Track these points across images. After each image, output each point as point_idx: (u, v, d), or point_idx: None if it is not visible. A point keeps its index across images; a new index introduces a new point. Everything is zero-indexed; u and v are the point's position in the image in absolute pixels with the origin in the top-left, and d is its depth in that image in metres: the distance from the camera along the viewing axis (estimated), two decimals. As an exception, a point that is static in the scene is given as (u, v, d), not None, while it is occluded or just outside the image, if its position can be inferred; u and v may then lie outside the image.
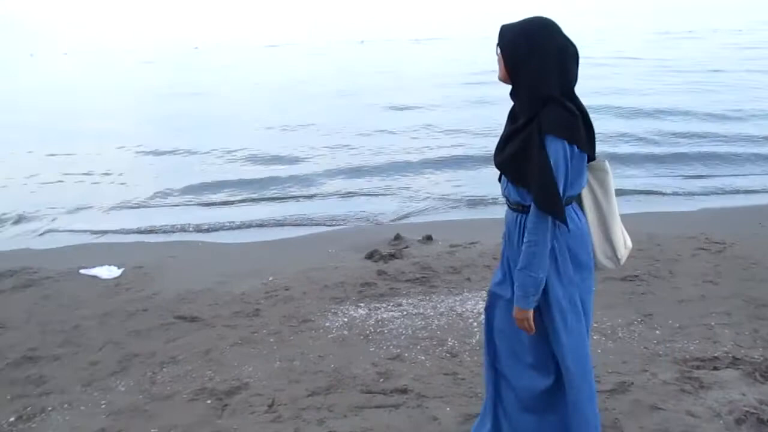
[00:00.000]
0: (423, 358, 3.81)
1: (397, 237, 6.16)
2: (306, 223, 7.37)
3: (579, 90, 2.31)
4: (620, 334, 4.02)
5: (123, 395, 3.51)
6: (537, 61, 2.23)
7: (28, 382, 3.69)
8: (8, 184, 9.16)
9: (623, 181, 8.26)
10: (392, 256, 5.60)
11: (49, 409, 3.39)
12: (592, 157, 2.37)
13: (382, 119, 13.15)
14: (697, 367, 3.52)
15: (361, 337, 4.12)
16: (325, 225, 7.22)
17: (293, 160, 10.16)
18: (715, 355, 3.68)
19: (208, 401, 3.40)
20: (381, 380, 3.55)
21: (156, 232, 7.13)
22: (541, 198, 2.22)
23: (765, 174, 8.85)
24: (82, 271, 5.43)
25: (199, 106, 15.42)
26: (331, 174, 9.30)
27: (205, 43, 36.25)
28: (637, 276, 4.96)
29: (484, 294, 4.65)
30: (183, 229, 7.22)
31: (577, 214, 2.37)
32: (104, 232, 7.17)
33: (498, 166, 2.42)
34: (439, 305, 4.56)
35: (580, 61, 2.31)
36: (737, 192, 8.21)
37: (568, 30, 2.30)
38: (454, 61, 24.26)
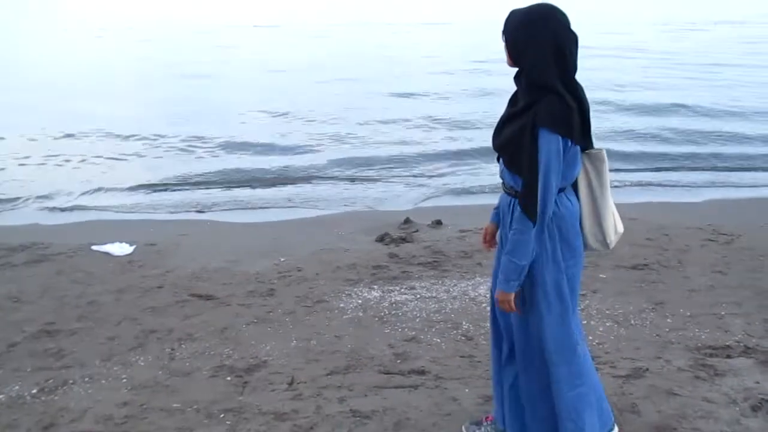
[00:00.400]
0: (438, 340, 3.85)
1: (407, 221, 6.19)
2: (312, 206, 7.40)
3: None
4: (633, 322, 4.07)
5: (143, 370, 3.54)
6: (533, 50, 2.27)
7: (48, 355, 3.71)
8: (8, 164, 9.10)
9: (629, 174, 8.36)
10: (403, 239, 5.63)
11: (71, 382, 3.42)
12: (587, 147, 2.42)
13: (387, 106, 13.06)
14: (710, 355, 3.57)
15: (376, 319, 4.16)
16: (331, 209, 7.24)
17: (302, 149, 10.01)
18: (727, 343, 3.74)
19: (228, 378, 3.44)
20: (398, 361, 3.59)
21: (163, 211, 7.15)
22: (522, 194, 2.31)
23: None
24: (93, 247, 5.44)
25: (206, 89, 15.30)
26: (338, 162, 9.20)
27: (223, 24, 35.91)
28: (647, 265, 5.01)
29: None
30: (191, 208, 7.24)
31: (569, 199, 2.42)
32: (112, 210, 7.19)
33: (495, 148, 2.48)
34: (452, 289, 4.60)
35: (583, 52, 2.35)
36: (743, 185, 8.29)
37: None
38: (458, 46, 24.20)
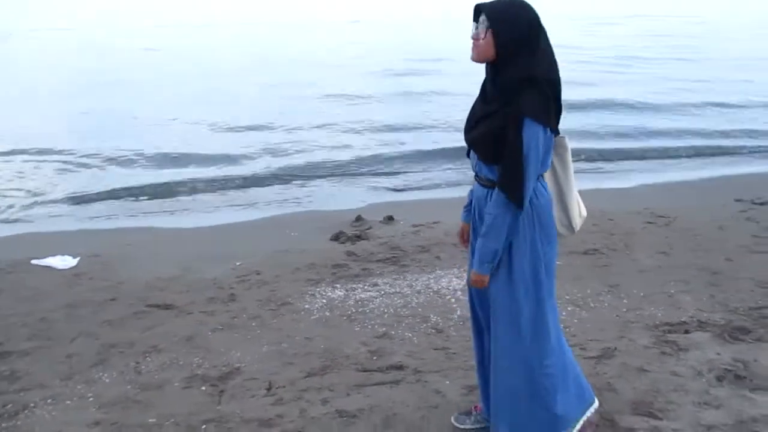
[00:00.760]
0: (410, 335, 3.87)
1: (359, 218, 6.18)
2: (255, 208, 7.26)
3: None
4: (592, 304, 4.23)
5: (109, 387, 3.38)
6: (535, 41, 2.32)
7: (1, 379, 3.48)
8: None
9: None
10: (358, 237, 5.62)
11: (32, 405, 3.22)
12: (555, 134, 2.48)
13: (317, 109, 12.68)
14: (669, 332, 3.76)
15: (344, 318, 4.13)
16: (274, 210, 7.13)
17: (236, 156, 9.49)
18: (682, 320, 3.94)
19: (203, 388, 3.34)
20: (374, 358, 3.59)
21: (100, 221, 6.83)
22: (505, 181, 2.35)
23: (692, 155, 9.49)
24: (33, 261, 5.14)
25: (128, 97, 14.53)
26: (276, 166, 8.91)
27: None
28: (597, 250, 5.21)
29: (457, 271, 4.81)
30: (128, 216, 6.96)
31: (544, 187, 2.49)
32: (42, 221, 6.81)
33: (469, 143, 2.51)
34: (414, 284, 4.63)
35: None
36: (667, 168, 8.78)
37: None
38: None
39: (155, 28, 32.00)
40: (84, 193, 7.68)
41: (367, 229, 5.88)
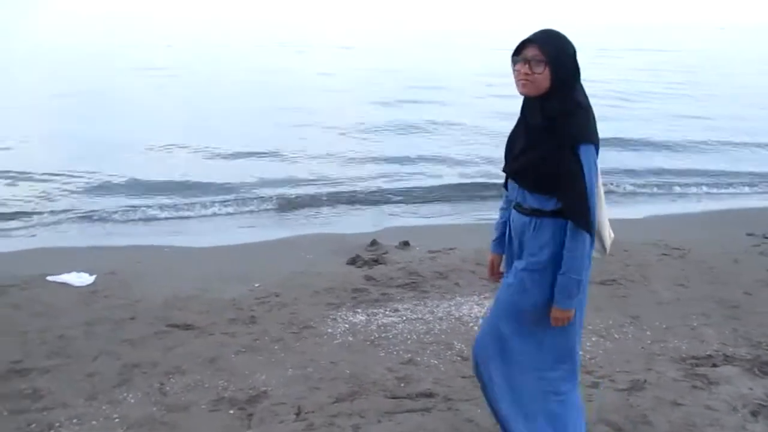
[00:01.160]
0: (436, 362, 3.84)
1: (374, 243, 6.17)
2: (268, 228, 7.25)
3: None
4: (616, 335, 4.22)
5: (135, 407, 3.32)
6: (578, 71, 2.43)
7: (22, 397, 3.42)
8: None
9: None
10: (375, 261, 5.61)
11: (57, 424, 3.16)
12: None
13: (319, 140, 12.29)
14: (697, 365, 3.75)
15: (367, 343, 4.10)
16: (286, 232, 7.11)
17: (242, 183, 9.21)
18: (708, 353, 3.94)
19: (231, 411, 3.29)
20: (402, 385, 3.55)
21: (115, 238, 6.80)
22: (573, 211, 2.39)
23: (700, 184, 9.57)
24: (49, 278, 5.08)
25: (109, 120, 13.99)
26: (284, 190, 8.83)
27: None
28: (614, 280, 5.21)
29: (477, 299, 4.80)
30: (142, 233, 6.93)
31: None
32: (54, 237, 6.77)
33: (512, 173, 2.56)
34: (435, 310, 4.61)
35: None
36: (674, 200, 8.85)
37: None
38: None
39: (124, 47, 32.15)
40: (95, 210, 7.64)
41: (384, 253, 5.86)
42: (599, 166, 2.52)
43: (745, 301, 4.79)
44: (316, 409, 3.29)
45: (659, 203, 8.65)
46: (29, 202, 7.86)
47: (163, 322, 4.34)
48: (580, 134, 2.37)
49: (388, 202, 8.37)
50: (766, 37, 51.98)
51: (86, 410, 3.30)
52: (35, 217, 7.33)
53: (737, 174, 10.22)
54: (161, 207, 7.83)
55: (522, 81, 2.39)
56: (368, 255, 5.78)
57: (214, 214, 7.73)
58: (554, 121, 2.39)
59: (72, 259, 5.74)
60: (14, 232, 6.90)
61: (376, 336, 4.19)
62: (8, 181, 8.81)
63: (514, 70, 2.43)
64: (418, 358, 3.88)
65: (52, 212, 7.49)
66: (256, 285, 5.08)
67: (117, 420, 3.22)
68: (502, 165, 2.63)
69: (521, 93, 2.45)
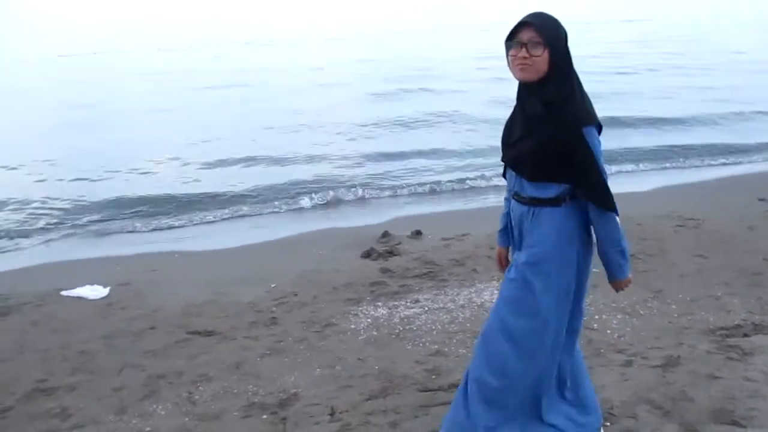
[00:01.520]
0: (464, 351, 3.79)
1: (386, 234, 6.12)
2: (273, 227, 7.18)
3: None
4: (641, 312, 4.18)
5: (166, 419, 3.28)
6: (570, 54, 2.36)
7: (51, 416, 3.37)
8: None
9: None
10: (390, 253, 5.56)
11: (90, 442, 3.12)
12: None
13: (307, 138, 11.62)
14: (727, 336, 3.71)
15: (393, 336, 4.06)
16: (296, 227, 7.05)
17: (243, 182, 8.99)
18: (736, 323, 3.90)
19: (264, 416, 3.24)
20: (433, 377, 3.51)
21: (121, 245, 6.73)
22: (593, 194, 2.36)
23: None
24: (63, 293, 5.02)
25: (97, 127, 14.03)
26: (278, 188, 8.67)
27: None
28: (632, 255, 5.02)
29: (497, 284, 4.74)
30: (149, 241, 6.86)
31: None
32: (61, 250, 6.70)
33: (510, 160, 2.50)
34: (456, 298, 4.57)
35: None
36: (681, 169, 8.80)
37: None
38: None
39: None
40: (100, 220, 7.55)
41: (397, 244, 5.81)
42: None
43: (766, 268, 4.75)
44: (349, 408, 3.24)
45: (664, 175, 8.58)
46: (33, 216, 7.76)
47: (183, 330, 4.29)
48: (582, 118, 2.31)
49: (394, 193, 8.28)
50: (752, 1, 51.55)
51: (117, 425, 3.25)
52: (41, 231, 7.23)
53: (744, 147, 10.05)
54: (165, 214, 7.73)
55: (520, 65, 2.29)
56: (382, 247, 5.73)
57: (219, 218, 7.61)
58: (553, 107, 2.32)
59: (83, 271, 5.68)
60: (22, 247, 6.82)
61: (401, 329, 4.14)
62: (10, 194, 8.72)
63: (508, 56, 2.33)
64: (446, 349, 3.83)
65: (58, 225, 7.39)
66: (272, 285, 5.03)
67: (150, 433, 3.17)
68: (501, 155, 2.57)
69: (519, 78, 2.35)
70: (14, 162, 10.35)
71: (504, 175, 2.66)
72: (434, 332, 4.07)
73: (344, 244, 6.03)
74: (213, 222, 7.52)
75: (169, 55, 28.17)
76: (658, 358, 3.48)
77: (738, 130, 10.95)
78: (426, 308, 4.43)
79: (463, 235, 5.91)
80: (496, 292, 4.62)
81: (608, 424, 2.87)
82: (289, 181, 8.83)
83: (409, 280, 4.94)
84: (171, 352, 4.01)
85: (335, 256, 5.73)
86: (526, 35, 2.27)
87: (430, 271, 5.07)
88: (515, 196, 2.52)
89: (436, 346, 3.88)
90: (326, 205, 7.98)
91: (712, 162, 9.03)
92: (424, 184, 8.52)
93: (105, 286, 5.10)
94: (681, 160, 9.21)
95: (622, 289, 2.56)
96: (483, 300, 4.51)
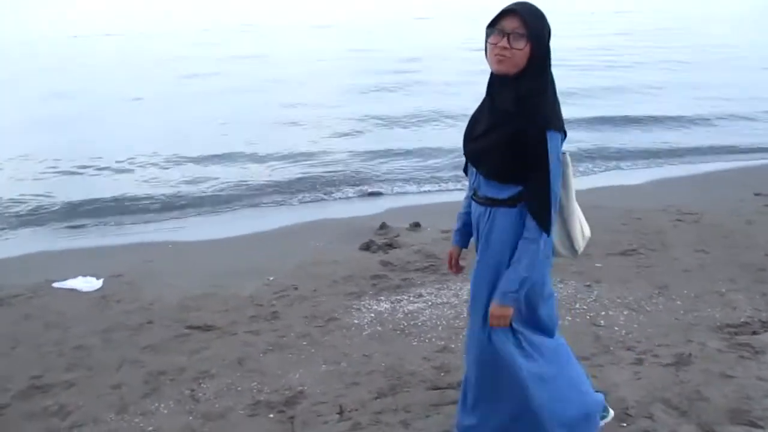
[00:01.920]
0: (471, 347, 3.74)
1: (383, 226, 6.04)
2: (267, 217, 7.07)
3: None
4: (647, 308, 4.15)
5: (169, 418, 3.18)
6: (549, 49, 2.23)
7: (49, 415, 3.26)
8: None
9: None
10: (389, 245, 5.48)
11: (91, 442, 3.02)
12: None
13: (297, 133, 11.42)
14: (736, 333, 3.69)
15: (397, 332, 3.99)
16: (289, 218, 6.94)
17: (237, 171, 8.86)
18: (743, 320, 3.89)
19: (270, 415, 3.16)
20: (441, 374, 3.45)
21: (113, 235, 6.59)
22: (534, 204, 2.21)
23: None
24: (55, 284, 4.89)
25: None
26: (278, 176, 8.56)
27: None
28: (634, 250, 5.14)
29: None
30: (141, 231, 6.72)
31: None
32: (49, 239, 6.54)
33: (471, 155, 2.36)
34: (459, 293, 4.51)
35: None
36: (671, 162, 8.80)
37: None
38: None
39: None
40: (91, 207, 7.38)
41: (396, 236, 5.73)
42: (570, 163, 2.35)
43: (768, 264, 4.75)
44: (358, 406, 3.18)
45: (656, 168, 8.58)
46: (21, 202, 7.57)
47: (181, 325, 4.19)
48: (550, 121, 2.17)
49: (390, 185, 8.16)
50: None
51: (119, 424, 3.16)
52: (28, 219, 7.06)
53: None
54: (156, 202, 7.58)
55: (498, 56, 2.15)
56: (380, 239, 5.65)
57: (211, 210, 7.45)
58: (523, 103, 2.18)
59: (74, 262, 5.55)
60: (8, 236, 6.64)
61: (405, 324, 4.08)
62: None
63: (487, 43, 2.19)
64: (452, 345, 3.78)
65: (45, 212, 7.22)
66: (271, 278, 4.93)
67: (153, 433, 3.08)
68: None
69: (495, 70, 2.20)
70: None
71: (465, 171, 2.52)
72: (439, 328, 4.01)
73: (340, 236, 5.95)
74: (205, 214, 7.35)
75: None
76: (669, 356, 3.45)
77: (730, 131, 10.81)
78: (430, 303, 4.37)
79: (463, 227, 5.83)
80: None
81: (624, 425, 2.84)
82: (281, 172, 8.71)
83: (410, 274, 4.87)
84: (170, 348, 3.91)
85: (332, 248, 5.65)
86: (510, 24, 2.13)
87: (432, 265, 5.01)
88: (473, 195, 2.41)
89: (442, 342, 3.82)
90: (320, 195, 7.86)
91: (704, 158, 9.00)
92: (420, 176, 8.43)
93: (98, 278, 4.97)
94: (674, 156, 9.15)
95: (497, 322, 2.30)
96: (487, 295, 4.44)
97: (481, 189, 2.33)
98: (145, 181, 8.43)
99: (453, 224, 2.68)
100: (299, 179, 8.35)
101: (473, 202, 2.42)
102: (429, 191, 7.89)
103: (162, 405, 3.31)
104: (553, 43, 2.26)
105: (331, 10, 47.21)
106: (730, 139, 10.02)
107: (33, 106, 13.81)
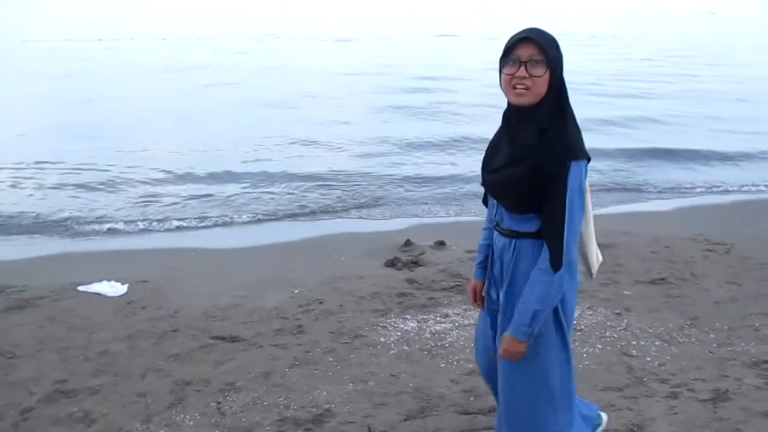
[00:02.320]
0: (500, 372, 3.67)
1: (408, 243, 6.00)
2: (291, 228, 7.05)
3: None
4: (680, 339, 4.06)
5: (195, 430, 3.15)
6: (563, 75, 2.16)
7: (74, 421, 3.24)
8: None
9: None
10: (415, 263, 5.43)
11: (117, 452, 2.99)
12: None
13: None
14: (773, 370, 3.60)
15: (425, 353, 3.94)
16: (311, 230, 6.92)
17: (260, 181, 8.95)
18: (779, 357, 3.79)
19: (297, 432, 3.12)
20: (471, 398, 3.39)
21: (137, 240, 6.60)
22: (551, 243, 2.11)
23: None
24: (80, 287, 4.89)
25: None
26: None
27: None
28: (664, 279, 5.06)
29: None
30: (164, 237, 6.73)
31: None
32: (76, 241, 6.56)
33: (491, 186, 2.29)
34: (487, 315, 4.44)
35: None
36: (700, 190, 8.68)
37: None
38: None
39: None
40: (115, 211, 7.42)
41: (420, 254, 5.69)
42: (589, 189, 2.26)
43: (803, 299, 4.65)
44: (387, 428, 3.13)
45: (685, 196, 8.47)
46: (44, 204, 7.62)
47: (206, 335, 4.16)
48: (572, 149, 2.08)
49: (416, 201, 8.12)
50: (756, 22, 51.57)
51: (145, 435, 3.12)
52: (54, 221, 7.08)
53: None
54: (181, 210, 7.60)
55: (517, 87, 2.05)
56: (405, 256, 5.61)
57: (235, 219, 7.45)
58: (545, 135, 2.09)
59: (99, 266, 5.54)
60: (35, 237, 6.67)
61: (432, 345, 4.02)
62: (21, 182, 8.59)
63: (502, 74, 2.09)
64: (481, 369, 3.71)
65: (71, 216, 7.25)
66: (296, 291, 4.90)
67: (179, 445, 3.05)
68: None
69: (515, 103, 2.09)
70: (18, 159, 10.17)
71: (484, 202, 2.47)
72: (467, 350, 3.94)
73: (364, 251, 5.91)
74: (229, 223, 7.34)
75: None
76: (705, 391, 3.36)
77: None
78: (457, 324, 4.31)
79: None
80: (527, 310, 4.50)
81: (663, 460, 2.76)
82: (304, 183, 8.71)
83: (436, 293, 4.82)
84: (196, 358, 3.88)
85: (357, 262, 5.61)
86: (525, 52, 2.04)
87: (458, 285, 4.95)
88: (496, 226, 2.34)
89: (470, 365, 3.75)
90: (342, 208, 7.83)
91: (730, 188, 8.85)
92: (443, 193, 8.38)
93: (123, 283, 4.96)
94: (699, 189, 8.94)
95: (510, 356, 2.23)
96: (515, 318, 4.38)
97: (504, 221, 2.27)
98: (170, 190, 8.46)
99: (476, 245, 2.61)
100: (322, 195, 8.31)
101: (496, 233, 2.35)
102: (451, 210, 7.81)
103: (188, 417, 3.27)
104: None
105: (355, 24, 47.44)
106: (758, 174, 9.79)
107: (61, 111, 13.97)
